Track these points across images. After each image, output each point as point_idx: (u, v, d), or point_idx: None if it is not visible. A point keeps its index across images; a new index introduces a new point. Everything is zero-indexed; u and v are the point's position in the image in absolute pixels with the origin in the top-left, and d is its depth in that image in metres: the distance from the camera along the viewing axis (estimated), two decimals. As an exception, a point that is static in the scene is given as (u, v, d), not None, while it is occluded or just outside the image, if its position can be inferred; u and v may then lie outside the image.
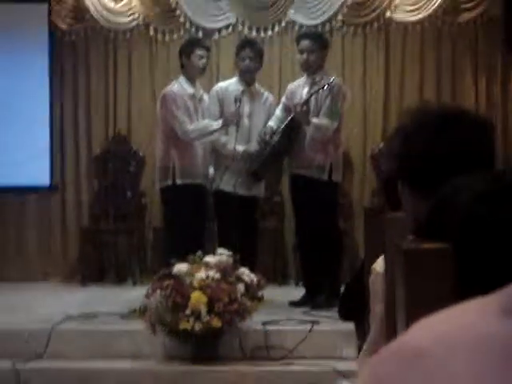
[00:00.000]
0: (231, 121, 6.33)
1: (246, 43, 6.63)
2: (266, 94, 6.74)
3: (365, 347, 2.40)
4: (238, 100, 6.34)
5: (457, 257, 0.98)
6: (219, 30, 8.12)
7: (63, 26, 8.13)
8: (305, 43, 6.33)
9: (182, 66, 6.57)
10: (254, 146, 6.38)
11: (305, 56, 6.31)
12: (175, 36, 8.12)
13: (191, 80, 6.54)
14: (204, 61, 6.50)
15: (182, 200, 6.33)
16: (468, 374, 0.66)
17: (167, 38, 8.15)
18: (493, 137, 1.86)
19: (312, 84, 6.30)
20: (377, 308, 2.23)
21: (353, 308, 3.17)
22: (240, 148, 6.35)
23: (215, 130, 6.37)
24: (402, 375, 0.69)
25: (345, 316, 3.44)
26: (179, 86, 6.50)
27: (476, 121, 1.86)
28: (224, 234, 6.38)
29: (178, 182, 6.40)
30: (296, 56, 6.61)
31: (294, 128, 6.20)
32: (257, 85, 6.68)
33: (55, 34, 8.14)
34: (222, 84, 6.68)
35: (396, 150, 1.91)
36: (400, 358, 0.70)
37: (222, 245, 5.88)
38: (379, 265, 2.21)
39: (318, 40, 6.38)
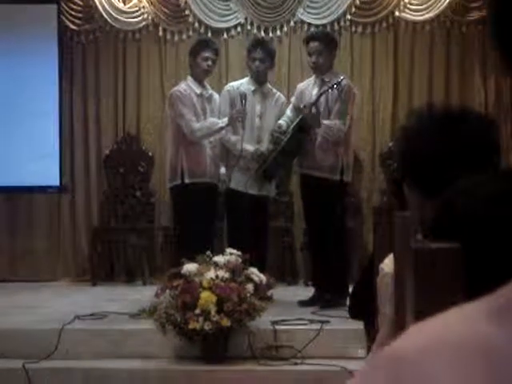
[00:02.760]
0: (237, 118, 6.34)
1: (258, 44, 6.63)
2: (278, 93, 6.75)
3: (374, 348, 2.40)
4: (243, 97, 6.36)
5: (467, 257, 0.98)
6: (228, 30, 8.13)
7: (73, 27, 8.15)
8: (313, 45, 6.32)
9: (191, 67, 6.60)
10: (265, 146, 6.39)
11: (314, 58, 6.30)
12: (184, 36, 8.14)
13: (199, 80, 6.56)
14: (209, 63, 6.50)
15: (191, 199, 6.34)
16: (451, 382, 0.66)
17: (176, 37, 8.16)
18: (497, 136, 1.87)
19: (321, 84, 6.30)
20: (386, 308, 2.23)
21: (362, 307, 3.17)
22: (251, 148, 6.36)
23: (222, 128, 6.39)
24: (397, 382, 0.69)
25: (355, 315, 3.44)
26: (186, 86, 6.52)
27: (479, 120, 1.86)
28: (234, 234, 6.40)
29: (187, 181, 6.41)
30: (304, 56, 6.62)
31: (303, 129, 6.20)
32: (268, 85, 6.69)
33: (65, 34, 8.16)
34: (233, 83, 6.70)
35: (400, 150, 1.92)
36: (385, 367, 0.70)
37: (231, 244, 5.89)
38: (386, 264, 2.21)
39: (326, 41, 6.36)
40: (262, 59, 6.44)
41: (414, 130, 1.86)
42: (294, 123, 6.26)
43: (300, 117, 6.24)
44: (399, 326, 1.98)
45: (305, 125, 6.19)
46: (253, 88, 6.51)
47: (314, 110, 6.14)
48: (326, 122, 6.17)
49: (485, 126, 1.84)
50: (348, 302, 3.73)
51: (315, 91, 6.32)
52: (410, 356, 0.68)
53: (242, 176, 6.39)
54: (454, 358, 0.66)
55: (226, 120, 6.37)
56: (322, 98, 6.20)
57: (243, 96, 6.37)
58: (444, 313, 0.73)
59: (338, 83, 6.12)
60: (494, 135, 1.85)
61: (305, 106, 6.21)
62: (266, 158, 6.31)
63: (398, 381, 0.68)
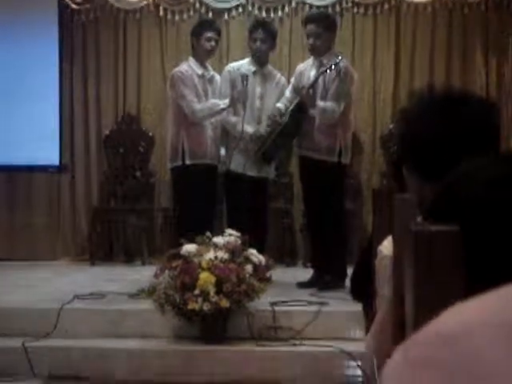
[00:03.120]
0: (238, 99, 6.33)
1: (259, 24, 6.61)
2: (279, 75, 6.73)
3: (372, 329, 2.40)
4: (245, 79, 6.34)
5: (467, 241, 0.98)
6: (229, 11, 8.10)
7: (73, 5, 8.12)
8: (310, 27, 6.26)
9: (193, 47, 6.58)
10: (264, 128, 6.38)
11: (311, 41, 6.25)
12: (185, 16, 8.12)
13: (201, 61, 6.54)
14: (213, 43, 6.48)
15: (192, 180, 6.35)
16: (498, 360, 0.67)
17: (177, 18, 8.14)
18: (498, 119, 1.85)
19: (319, 66, 6.25)
20: (384, 290, 2.24)
21: (361, 289, 3.17)
22: (250, 129, 6.35)
23: (223, 109, 6.38)
24: (433, 361, 0.69)
25: (357, 296, 3.44)
26: (188, 67, 6.51)
27: (480, 103, 1.85)
28: (233, 215, 6.41)
29: (188, 162, 6.41)
30: (305, 37, 6.57)
31: (301, 110, 6.18)
32: (269, 66, 6.67)
33: (65, 13, 8.14)
34: (233, 64, 6.68)
35: (400, 133, 1.92)
36: (432, 343, 0.71)
37: (231, 225, 5.90)
38: (385, 247, 2.21)
39: (323, 23, 6.27)
40: (263, 39, 6.41)
41: (415, 113, 1.85)
42: (293, 104, 6.24)
43: (297, 99, 6.22)
44: (397, 307, 1.98)
45: (302, 106, 6.18)
46: (253, 69, 6.49)
47: (310, 91, 6.11)
48: (320, 103, 6.13)
49: (486, 109, 1.84)
50: (348, 284, 3.73)
51: (313, 73, 6.28)
52: (454, 333, 0.69)
53: (241, 158, 6.39)
54: (496, 336, 0.68)
55: (227, 101, 6.36)
56: (320, 80, 6.17)
57: (244, 77, 6.35)
58: (484, 294, 0.74)
59: (336, 64, 6.07)
60: (495, 119, 1.84)
61: (303, 87, 6.19)
62: (265, 139, 6.30)
63: (442, 357, 0.69)
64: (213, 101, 6.46)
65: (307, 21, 6.40)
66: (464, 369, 0.68)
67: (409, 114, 1.87)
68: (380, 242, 2.31)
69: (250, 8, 8.09)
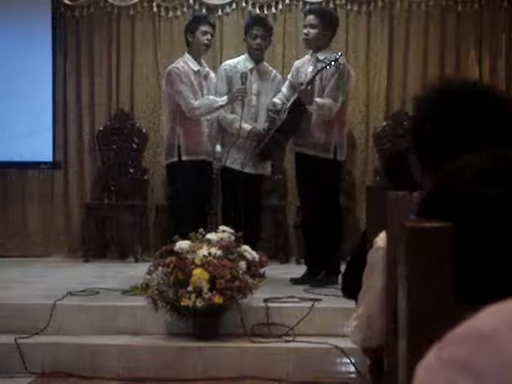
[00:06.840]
0: (236, 97, 6.32)
1: (256, 21, 6.60)
2: (274, 72, 6.72)
3: (357, 322, 2.39)
4: (243, 76, 6.33)
5: (457, 236, 0.98)
6: (223, 7, 8.09)
7: (66, 1, 8.11)
8: (308, 18, 6.29)
9: (188, 44, 6.56)
10: (261, 125, 6.38)
11: (306, 30, 6.27)
12: (179, 12, 8.11)
13: (196, 57, 6.53)
14: (209, 37, 6.48)
15: (187, 176, 6.34)
16: None
17: (171, 14, 8.14)
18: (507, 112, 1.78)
19: (316, 62, 6.25)
20: (376, 283, 2.24)
21: (355, 285, 3.18)
22: (247, 126, 6.35)
23: (221, 106, 6.37)
24: (468, 362, 0.69)
25: (348, 294, 3.45)
26: (184, 63, 6.49)
27: (492, 98, 1.79)
28: (228, 211, 6.41)
29: (184, 158, 6.41)
30: (299, 33, 6.58)
31: (299, 106, 6.17)
32: (265, 63, 6.66)
33: (58, 9, 8.12)
34: (230, 62, 6.66)
35: (410, 127, 1.87)
36: (467, 344, 0.70)
37: (225, 222, 5.90)
38: (381, 239, 2.22)
39: (322, 17, 6.28)
40: (263, 36, 6.42)
41: (422, 103, 1.81)
42: (291, 101, 6.24)
43: (296, 95, 6.22)
44: (389, 301, 1.99)
45: (300, 103, 6.17)
46: (250, 66, 6.48)
47: (309, 87, 6.11)
48: (318, 99, 6.13)
49: (497, 103, 1.77)
50: (340, 281, 3.73)
51: (310, 69, 6.28)
52: (488, 332, 0.69)
53: (238, 154, 6.39)
54: None
55: (225, 98, 6.34)
56: (317, 76, 6.16)
57: (244, 75, 6.34)
58: None
59: (336, 60, 6.07)
60: (506, 113, 1.77)
61: (301, 84, 6.18)
62: (263, 136, 6.30)
63: (476, 355, 0.68)
64: (211, 98, 6.45)
65: (308, 12, 6.42)
66: (500, 372, 0.67)
67: (417, 104, 1.83)
68: (373, 238, 2.32)
69: (243, 4, 8.09)
